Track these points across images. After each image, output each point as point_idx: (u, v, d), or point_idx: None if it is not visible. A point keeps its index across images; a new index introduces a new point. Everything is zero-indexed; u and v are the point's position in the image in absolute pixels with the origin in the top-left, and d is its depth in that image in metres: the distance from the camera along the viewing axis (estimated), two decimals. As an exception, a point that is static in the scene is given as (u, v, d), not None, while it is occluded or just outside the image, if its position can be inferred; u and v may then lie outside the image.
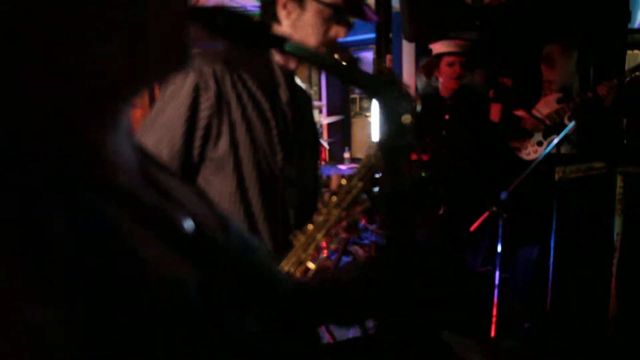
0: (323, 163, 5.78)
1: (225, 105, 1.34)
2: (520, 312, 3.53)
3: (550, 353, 3.02)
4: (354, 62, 1.39)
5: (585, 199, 3.06)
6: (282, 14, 1.38)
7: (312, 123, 1.68)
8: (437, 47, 3.42)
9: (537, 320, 3.38)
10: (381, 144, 0.72)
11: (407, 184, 0.76)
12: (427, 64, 3.46)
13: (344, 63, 1.11)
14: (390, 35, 5.63)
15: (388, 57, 5.64)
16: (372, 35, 5.81)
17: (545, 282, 2.98)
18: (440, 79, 3.40)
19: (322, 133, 6.56)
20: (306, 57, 0.71)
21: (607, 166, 2.62)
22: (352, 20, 1.46)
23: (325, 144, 6.07)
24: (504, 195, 2.45)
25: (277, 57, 1.45)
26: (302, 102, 1.57)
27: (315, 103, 6.54)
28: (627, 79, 2.96)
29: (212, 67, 1.33)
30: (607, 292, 2.64)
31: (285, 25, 1.39)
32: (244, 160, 1.38)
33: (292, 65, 1.47)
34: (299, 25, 1.38)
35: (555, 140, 2.56)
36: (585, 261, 3.04)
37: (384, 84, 0.73)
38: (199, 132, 1.34)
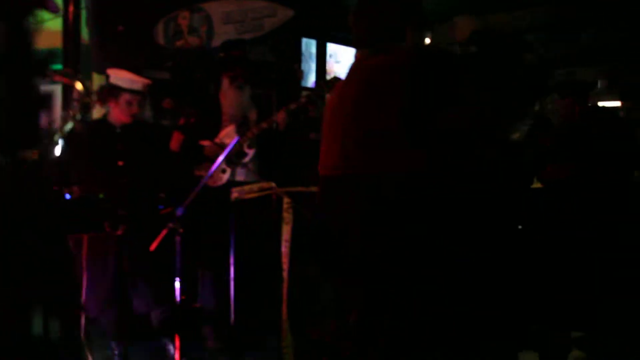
0: None
1: None
2: (208, 335, 3.65)
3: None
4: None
5: (259, 216, 3.37)
6: None
7: None
8: (117, 80, 3.36)
9: (224, 339, 3.52)
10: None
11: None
12: (105, 91, 3.38)
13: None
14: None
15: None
16: (59, 67, 5.53)
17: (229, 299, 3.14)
18: (113, 110, 3.35)
19: None
20: None
21: (276, 186, 2.91)
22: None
23: None
24: (180, 212, 2.52)
25: None
26: None
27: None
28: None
29: None
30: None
31: None
32: None
33: None
34: None
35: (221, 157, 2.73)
36: (262, 273, 3.32)
37: None
38: None
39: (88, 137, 3.26)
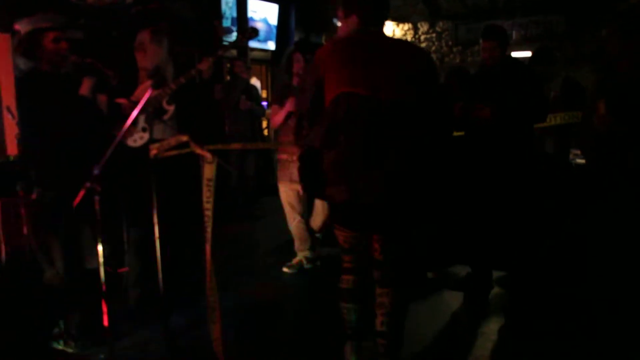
0: None
1: None
2: (136, 298, 3.61)
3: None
4: None
5: (179, 173, 3.32)
6: None
7: None
8: (31, 23, 3.06)
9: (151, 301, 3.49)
10: None
11: None
12: (24, 42, 3.02)
13: None
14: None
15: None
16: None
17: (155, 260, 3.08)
18: (42, 58, 3.01)
19: None
20: None
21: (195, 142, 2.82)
22: None
23: None
24: (96, 170, 2.42)
25: None
26: None
27: None
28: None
29: None
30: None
31: None
32: None
33: None
34: None
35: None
36: (185, 231, 3.26)
37: None
38: None
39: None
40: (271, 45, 9.38)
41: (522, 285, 4.08)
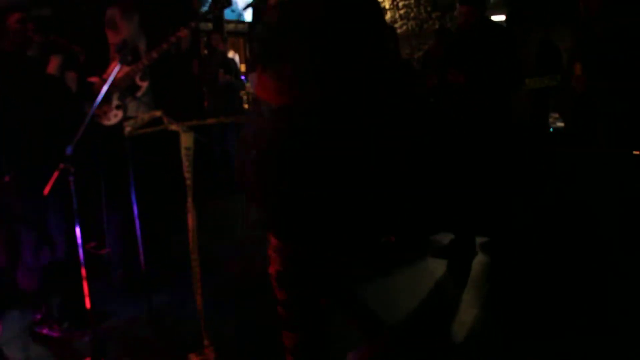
0: None
1: None
2: (118, 279, 3.59)
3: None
4: None
5: (156, 150, 3.26)
6: None
7: None
8: None
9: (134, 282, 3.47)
10: None
11: None
12: None
13: None
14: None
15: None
16: None
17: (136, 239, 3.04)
18: (6, 39, 2.88)
19: None
20: None
21: (167, 117, 2.76)
22: None
23: None
24: (69, 150, 2.37)
25: None
26: None
27: None
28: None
29: None
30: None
31: None
32: None
33: None
34: None
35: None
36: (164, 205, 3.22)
37: None
38: None
39: None
40: (248, 17, 9.23)
41: (505, 251, 4.11)
